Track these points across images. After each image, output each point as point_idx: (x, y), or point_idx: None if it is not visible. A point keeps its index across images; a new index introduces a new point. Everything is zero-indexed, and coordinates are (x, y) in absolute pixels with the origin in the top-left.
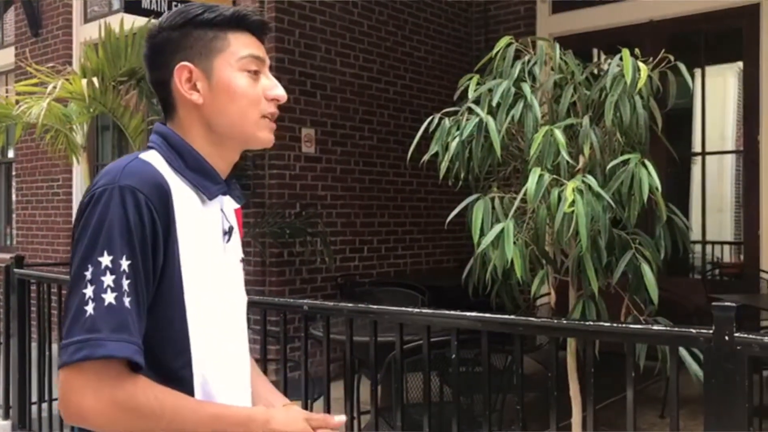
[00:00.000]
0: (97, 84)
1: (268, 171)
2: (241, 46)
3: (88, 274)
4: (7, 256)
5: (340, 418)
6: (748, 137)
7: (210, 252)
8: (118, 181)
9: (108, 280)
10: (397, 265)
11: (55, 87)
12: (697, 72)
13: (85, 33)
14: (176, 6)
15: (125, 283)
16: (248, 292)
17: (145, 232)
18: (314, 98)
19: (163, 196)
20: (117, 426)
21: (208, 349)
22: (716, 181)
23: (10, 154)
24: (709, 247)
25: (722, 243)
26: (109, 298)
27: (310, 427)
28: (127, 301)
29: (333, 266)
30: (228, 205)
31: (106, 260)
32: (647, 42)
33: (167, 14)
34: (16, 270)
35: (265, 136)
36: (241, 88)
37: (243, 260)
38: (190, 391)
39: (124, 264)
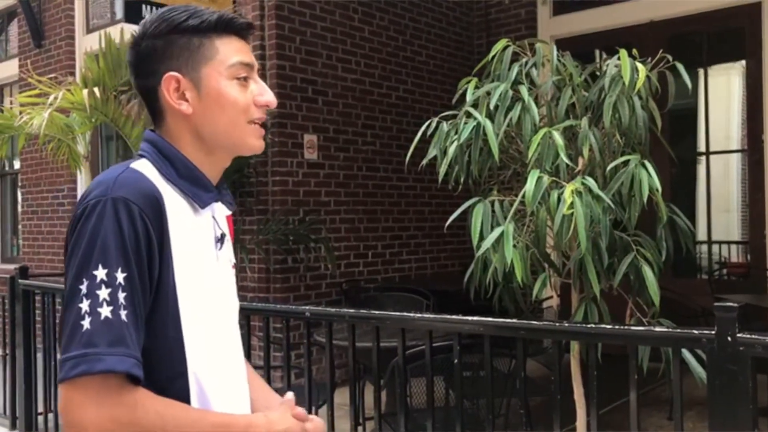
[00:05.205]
0: (98, 94)
1: (270, 178)
2: (230, 52)
3: (84, 288)
4: (13, 267)
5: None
6: (753, 136)
7: (203, 260)
8: (111, 192)
9: (104, 293)
10: (402, 269)
11: (56, 97)
12: (700, 72)
13: (87, 43)
14: None
15: (121, 296)
16: (252, 300)
17: (139, 243)
18: (316, 104)
19: (156, 207)
20: None
21: (203, 358)
22: (722, 180)
23: (16, 165)
24: (715, 248)
25: (728, 243)
26: (105, 311)
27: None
28: (123, 314)
29: (337, 272)
30: (219, 211)
31: (101, 273)
32: (649, 42)
33: (150, 20)
34: (20, 281)
35: (254, 142)
36: (231, 97)
37: (235, 266)
38: (185, 400)
39: (120, 277)
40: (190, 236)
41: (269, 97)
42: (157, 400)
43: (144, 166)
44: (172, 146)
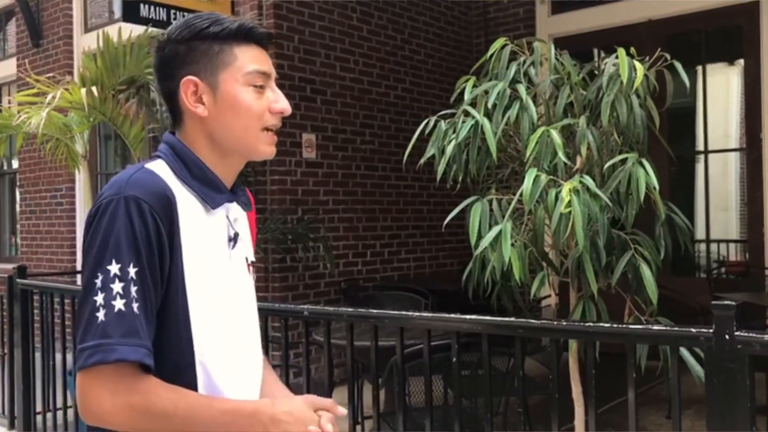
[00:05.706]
0: (96, 93)
1: (269, 177)
2: (248, 60)
3: (98, 282)
4: (11, 266)
5: (343, 410)
6: (751, 135)
7: (213, 258)
8: (124, 191)
9: (117, 287)
10: (401, 268)
11: (54, 97)
12: (699, 70)
13: (85, 42)
14: (175, 15)
15: (133, 289)
16: None
17: (150, 240)
18: (314, 103)
19: (167, 206)
20: (134, 426)
21: (212, 351)
22: (721, 179)
23: (14, 164)
24: (714, 246)
25: (727, 241)
26: (119, 304)
27: (314, 412)
28: (135, 306)
29: (336, 271)
30: (235, 212)
31: (114, 268)
32: (647, 41)
33: (175, 25)
34: (19, 280)
35: (266, 149)
36: (245, 103)
37: (252, 264)
38: (193, 390)
39: (132, 271)
40: (201, 235)
41: (283, 105)
42: (169, 388)
43: (158, 167)
44: (187, 148)
